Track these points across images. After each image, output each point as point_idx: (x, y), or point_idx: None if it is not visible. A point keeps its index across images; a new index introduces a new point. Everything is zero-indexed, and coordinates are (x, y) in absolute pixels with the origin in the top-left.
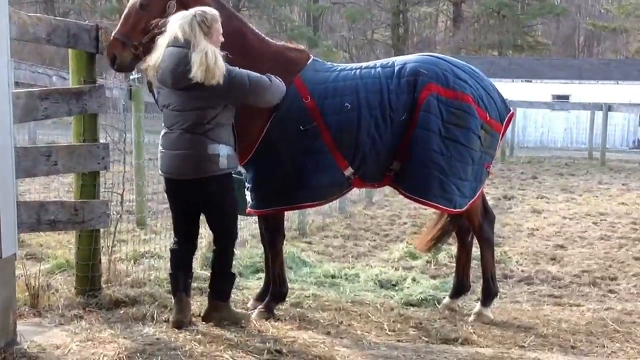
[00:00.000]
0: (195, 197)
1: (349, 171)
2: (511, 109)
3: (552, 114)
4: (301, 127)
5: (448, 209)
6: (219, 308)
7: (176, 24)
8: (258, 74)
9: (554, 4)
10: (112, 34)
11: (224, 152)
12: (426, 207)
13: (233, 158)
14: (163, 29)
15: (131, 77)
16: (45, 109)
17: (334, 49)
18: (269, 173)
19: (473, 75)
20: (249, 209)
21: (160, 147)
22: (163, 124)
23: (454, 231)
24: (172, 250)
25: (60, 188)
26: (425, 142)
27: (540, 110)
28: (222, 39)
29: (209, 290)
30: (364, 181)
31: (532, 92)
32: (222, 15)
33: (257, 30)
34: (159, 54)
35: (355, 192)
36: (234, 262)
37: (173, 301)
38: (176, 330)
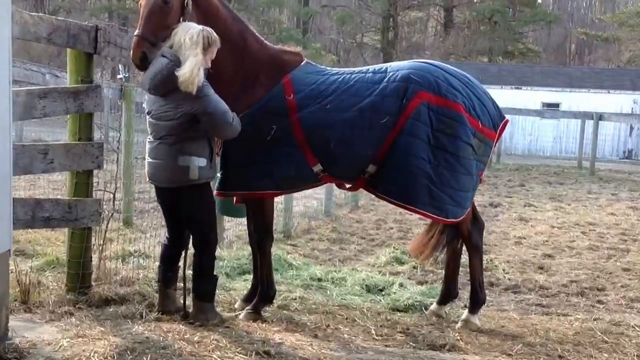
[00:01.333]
0: (172, 202)
1: (317, 167)
2: (505, 116)
3: (541, 122)
4: (276, 121)
5: (440, 218)
6: (204, 309)
7: (185, 30)
8: (226, 108)
9: (546, 11)
10: (136, 34)
11: (195, 164)
12: (413, 213)
13: (207, 170)
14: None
15: (118, 76)
16: (44, 107)
17: (323, 52)
18: (236, 156)
19: (466, 83)
20: (216, 192)
21: (146, 154)
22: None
23: (452, 242)
24: (162, 244)
25: (46, 185)
26: (412, 150)
27: (530, 117)
28: (209, 64)
29: (192, 292)
30: (335, 178)
31: (522, 99)
32: (228, 17)
33: (257, 34)
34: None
35: (340, 196)
36: (221, 264)
37: None
38: (164, 329)
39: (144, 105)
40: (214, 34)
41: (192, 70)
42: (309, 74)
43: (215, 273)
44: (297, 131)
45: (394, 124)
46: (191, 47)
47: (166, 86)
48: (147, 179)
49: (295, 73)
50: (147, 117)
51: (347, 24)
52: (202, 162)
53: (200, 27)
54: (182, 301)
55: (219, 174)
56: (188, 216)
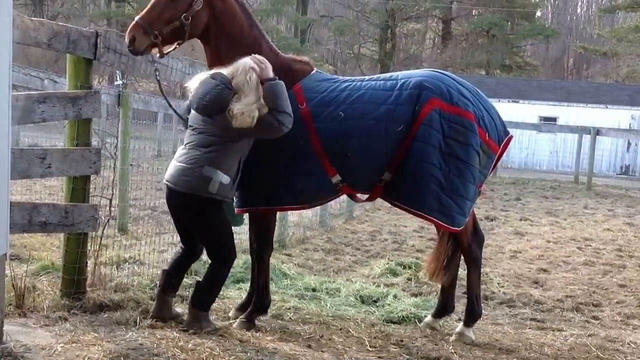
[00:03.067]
0: (180, 209)
1: (336, 178)
2: (510, 132)
3: (538, 136)
4: (292, 131)
5: (446, 225)
6: (199, 317)
7: (245, 70)
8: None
9: (545, 25)
10: (135, 19)
11: (217, 178)
12: (423, 220)
13: (227, 188)
14: (186, 22)
15: (115, 82)
16: (43, 112)
17: (320, 62)
18: (256, 173)
19: (476, 95)
20: (237, 209)
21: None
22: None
23: (452, 255)
24: (176, 251)
25: (42, 190)
26: (424, 156)
27: (527, 131)
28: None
29: (190, 298)
30: (353, 189)
31: (519, 112)
32: (245, 23)
33: (270, 42)
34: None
35: (335, 207)
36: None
37: None
38: (158, 336)
39: (180, 115)
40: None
41: (243, 114)
42: (319, 82)
43: None
44: (315, 141)
45: (408, 131)
46: (256, 88)
47: (214, 108)
48: (165, 180)
49: (305, 81)
50: (189, 129)
51: (346, 34)
52: (225, 179)
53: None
54: (178, 309)
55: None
56: (198, 228)
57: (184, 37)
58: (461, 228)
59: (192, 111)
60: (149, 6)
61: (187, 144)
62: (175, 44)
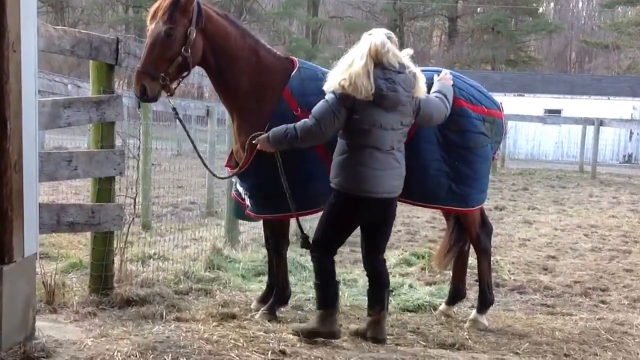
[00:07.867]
0: (381, 213)
1: None
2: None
3: (543, 128)
4: None
5: (465, 209)
6: (323, 316)
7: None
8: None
9: (547, 20)
10: (137, 68)
11: None
12: (439, 210)
13: None
14: (187, 55)
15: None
16: (68, 117)
17: (331, 61)
18: (265, 183)
19: (459, 77)
20: (247, 212)
21: (365, 167)
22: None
23: (460, 245)
24: (329, 261)
25: (67, 190)
26: (427, 154)
27: (532, 123)
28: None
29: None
30: None
31: (525, 106)
32: (237, 34)
33: (268, 46)
34: (366, 72)
35: None
36: (237, 266)
37: None
38: (184, 329)
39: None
40: (378, 40)
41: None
42: (304, 80)
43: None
44: (318, 146)
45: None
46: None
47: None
48: (366, 191)
49: (292, 83)
50: (375, 129)
51: (355, 32)
52: None
53: (384, 37)
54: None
55: (247, 198)
56: (389, 224)
57: (189, 68)
58: (482, 204)
59: (371, 110)
60: (145, 50)
61: (381, 146)
62: (180, 77)
